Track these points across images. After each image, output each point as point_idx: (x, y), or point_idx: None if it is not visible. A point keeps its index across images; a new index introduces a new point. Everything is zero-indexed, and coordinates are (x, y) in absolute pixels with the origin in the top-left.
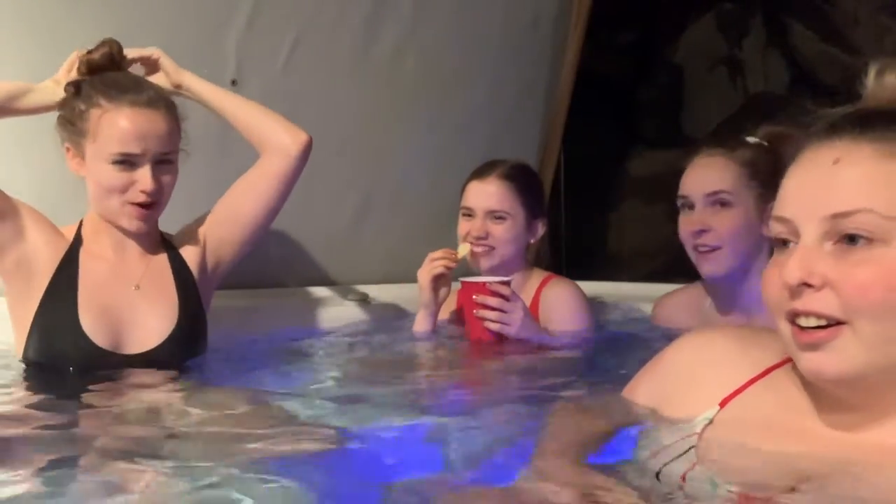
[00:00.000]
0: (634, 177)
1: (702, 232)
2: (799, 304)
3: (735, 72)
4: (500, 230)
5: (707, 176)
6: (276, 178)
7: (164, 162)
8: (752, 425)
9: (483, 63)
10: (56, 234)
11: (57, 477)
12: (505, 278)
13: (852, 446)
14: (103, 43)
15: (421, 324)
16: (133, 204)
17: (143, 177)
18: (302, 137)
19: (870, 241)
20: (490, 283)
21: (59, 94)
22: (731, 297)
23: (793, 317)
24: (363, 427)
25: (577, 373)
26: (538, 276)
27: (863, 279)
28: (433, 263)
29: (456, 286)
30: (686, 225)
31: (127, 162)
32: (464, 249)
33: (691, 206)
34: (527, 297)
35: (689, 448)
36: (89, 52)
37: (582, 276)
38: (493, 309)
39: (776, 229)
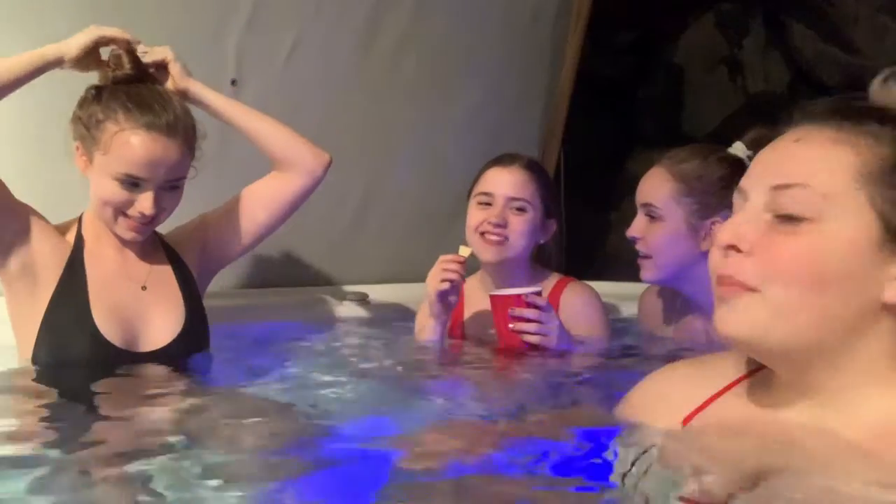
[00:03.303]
0: (634, 177)
1: (635, 238)
2: (722, 267)
3: (735, 72)
4: (519, 221)
5: (645, 187)
6: (296, 194)
7: (169, 187)
8: (713, 435)
9: (483, 63)
10: (58, 236)
11: (72, 475)
12: (536, 288)
13: (807, 445)
14: (119, 60)
15: (430, 333)
16: (129, 218)
17: (145, 200)
18: (325, 158)
19: (801, 218)
20: (526, 294)
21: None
22: (689, 298)
23: (717, 281)
24: (364, 426)
25: (596, 377)
26: (552, 279)
27: (782, 250)
28: (443, 274)
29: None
30: (629, 228)
31: (132, 182)
32: (465, 251)
33: (636, 211)
34: None
35: (648, 449)
36: (114, 67)
37: (582, 276)
38: (530, 321)
39: (735, 201)
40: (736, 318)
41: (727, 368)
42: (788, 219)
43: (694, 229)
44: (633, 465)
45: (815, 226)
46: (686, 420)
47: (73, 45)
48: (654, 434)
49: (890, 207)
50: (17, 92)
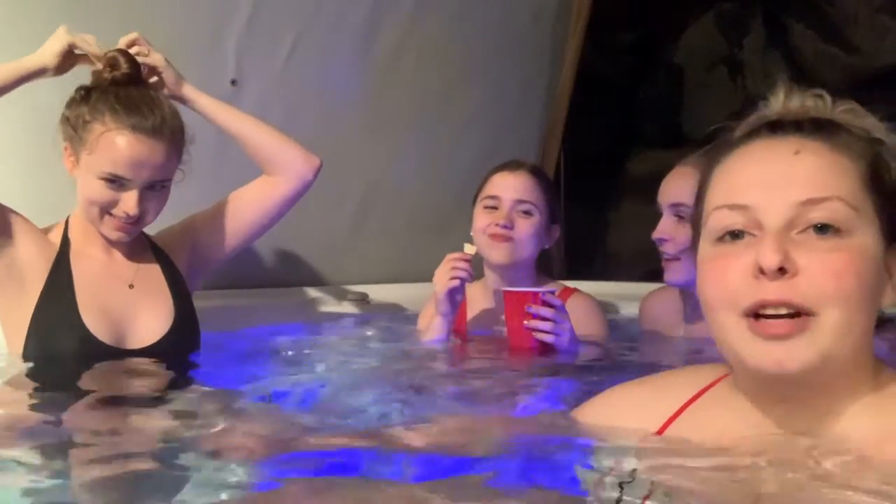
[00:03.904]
0: (634, 177)
1: (663, 239)
2: (772, 293)
3: (735, 72)
4: (525, 224)
5: (672, 187)
6: (285, 198)
7: (154, 188)
8: (690, 453)
9: (483, 64)
10: (43, 237)
11: (61, 471)
12: (551, 288)
13: (797, 462)
14: (116, 62)
15: (436, 331)
16: (115, 217)
17: (129, 200)
18: (316, 163)
19: (838, 230)
20: (543, 292)
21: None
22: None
23: (756, 308)
24: (362, 426)
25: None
26: (556, 287)
27: (837, 266)
28: (452, 272)
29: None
30: (656, 230)
31: (116, 182)
32: (470, 249)
33: (660, 213)
34: None
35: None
36: (110, 68)
37: (582, 275)
38: (545, 319)
39: (729, 220)
40: (801, 353)
41: (679, 388)
42: (824, 233)
43: None
44: (631, 474)
45: (850, 239)
46: (660, 431)
47: (49, 53)
48: (632, 446)
49: (883, 213)
50: (17, 93)
